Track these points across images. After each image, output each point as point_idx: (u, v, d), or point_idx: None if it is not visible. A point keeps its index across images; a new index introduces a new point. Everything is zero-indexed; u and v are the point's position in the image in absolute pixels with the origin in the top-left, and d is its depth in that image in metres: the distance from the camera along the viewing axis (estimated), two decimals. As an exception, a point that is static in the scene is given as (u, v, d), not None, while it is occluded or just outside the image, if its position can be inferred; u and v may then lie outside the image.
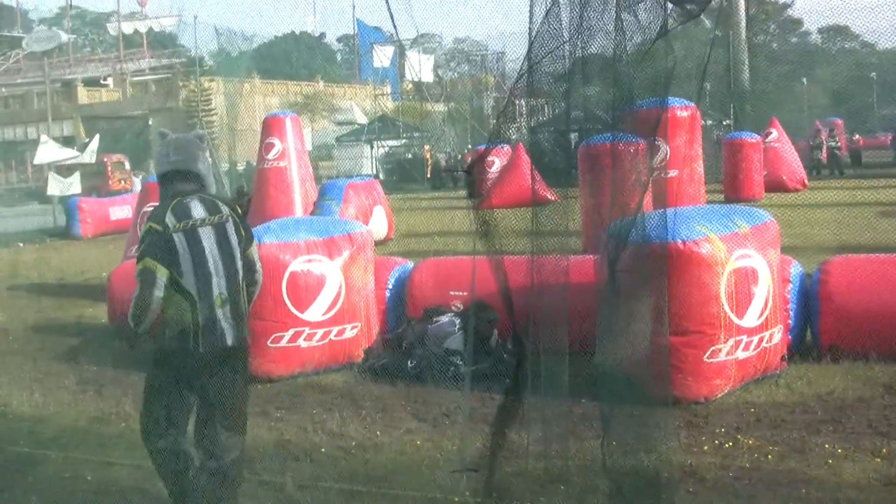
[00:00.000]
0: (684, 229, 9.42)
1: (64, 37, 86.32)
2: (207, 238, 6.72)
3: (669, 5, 4.73)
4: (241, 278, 6.88)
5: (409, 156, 61.97)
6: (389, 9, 5.12)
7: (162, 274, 6.53)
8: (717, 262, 9.39)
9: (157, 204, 6.97)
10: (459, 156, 55.20)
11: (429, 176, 55.93)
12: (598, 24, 4.94)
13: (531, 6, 4.76)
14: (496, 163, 40.15)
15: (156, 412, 6.80)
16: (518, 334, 6.13)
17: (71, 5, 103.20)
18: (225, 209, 6.92)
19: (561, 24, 4.90)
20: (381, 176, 56.83)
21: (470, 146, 56.43)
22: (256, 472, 8.05)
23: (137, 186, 41.24)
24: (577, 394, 6.30)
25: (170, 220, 6.63)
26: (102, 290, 17.16)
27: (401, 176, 55.56)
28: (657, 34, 4.91)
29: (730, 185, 32.75)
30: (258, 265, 7.17)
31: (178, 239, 6.61)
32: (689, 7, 4.81)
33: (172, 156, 6.95)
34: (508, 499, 6.11)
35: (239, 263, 6.88)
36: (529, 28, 4.85)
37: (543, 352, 5.52)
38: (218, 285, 6.70)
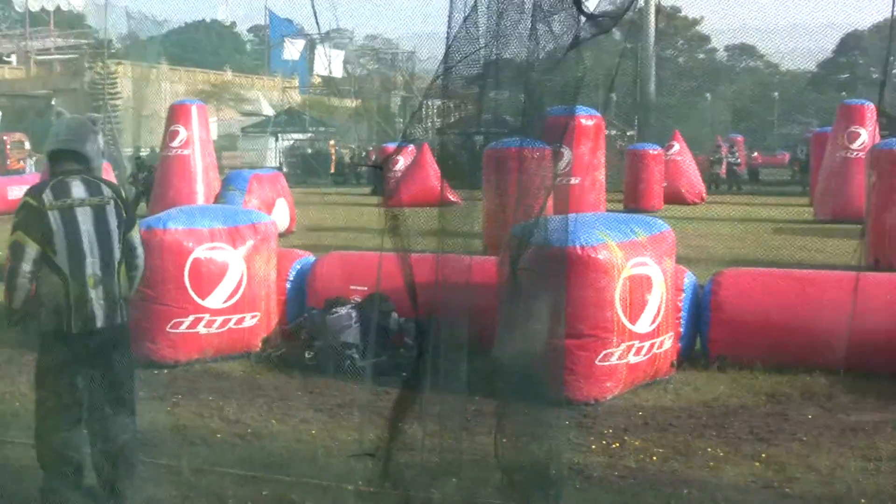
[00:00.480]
0: (584, 234, 9.66)
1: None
2: (84, 218, 6.67)
3: (582, 18, 4.91)
4: (116, 261, 6.80)
5: (310, 150, 61.69)
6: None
7: (32, 248, 6.50)
8: (613, 267, 9.63)
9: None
10: (364, 152, 55.35)
11: (332, 171, 55.91)
12: (513, 32, 5.11)
13: (450, 11, 4.92)
14: (401, 161, 40.27)
15: (43, 397, 6.78)
16: (420, 328, 6.28)
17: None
18: (108, 191, 6.87)
19: (478, 30, 5.06)
20: (285, 169, 56.75)
21: (375, 143, 56.56)
22: (153, 457, 8.11)
23: (30, 168, 40.51)
24: (474, 390, 6.49)
25: (47, 196, 6.60)
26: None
27: (304, 170, 55.46)
28: (569, 45, 5.09)
29: (630, 194, 33.26)
30: (139, 250, 7.10)
31: (54, 216, 6.56)
32: (601, 20, 5.00)
33: (62, 135, 6.97)
34: (402, 488, 6.25)
35: (116, 246, 6.81)
36: (447, 32, 5.00)
37: (444, 346, 5.68)
38: (91, 265, 6.64)
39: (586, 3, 4.90)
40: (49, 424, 6.73)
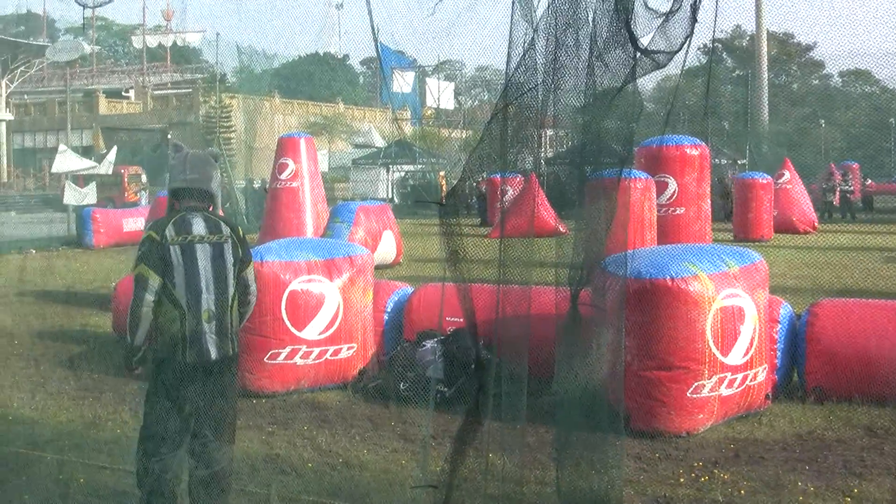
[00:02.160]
0: (674, 266, 9.65)
1: (87, 47, 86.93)
2: (203, 254, 6.92)
3: (638, 55, 4.95)
4: (230, 297, 7.04)
5: (412, 182, 61.63)
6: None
7: (154, 280, 6.76)
8: (704, 299, 9.59)
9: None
10: (474, 183, 55.39)
11: (442, 202, 55.99)
12: (571, 67, 5.17)
13: (509, 47, 5.00)
14: (509, 191, 40.37)
15: (151, 421, 6.93)
16: (479, 361, 6.33)
17: (95, 17, 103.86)
18: (226, 230, 7.13)
19: (536, 65, 5.13)
20: (396, 200, 57.00)
21: (485, 174, 56.56)
22: (244, 483, 8.27)
23: (143, 201, 41.25)
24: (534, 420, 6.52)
25: (169, 232, 6.86)
26: (109, 300, 17.43)
27: (415, 201, 55.66)
28: (624, 80, 5.13)
29: (740, 224, 32.95)
30: (253, 287, 7.36)
31: (174, 251, 6.83)
32: (657, 56, 5.04)
33: (188, 173, 7.17)
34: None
35: (231, 283, 7.06)
36: (506, 69, 5.08)
37: (507, 379, 5.75)
38: (207, 301, 6.88)
39: (641, 40, 4.94)
40: (152, 448, 6.90)
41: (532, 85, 5.15)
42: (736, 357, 9.84)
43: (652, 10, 5.07)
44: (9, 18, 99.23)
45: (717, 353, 9.66)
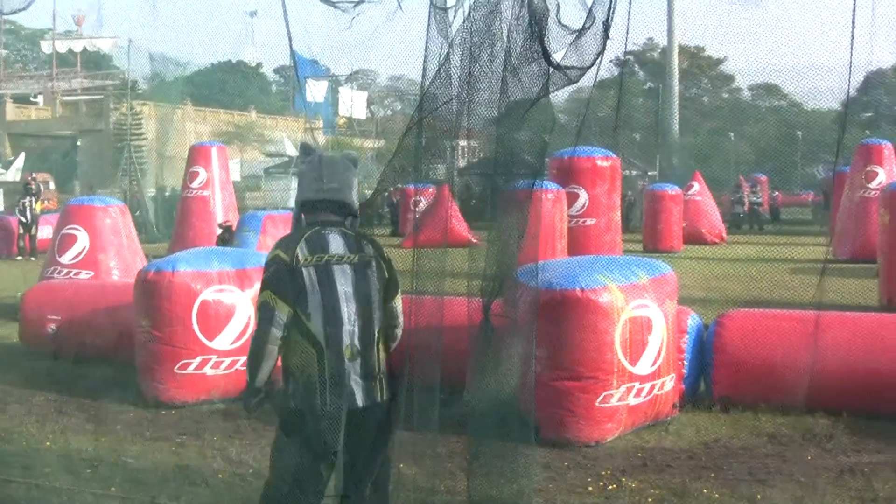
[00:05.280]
0: (584, 277, 9.76)
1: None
2: (343, 278, 5.81)
3: (551, 69, 5.03)
4: (376, 330, 5.90)
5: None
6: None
7: (282, 311, 5.66)
8: (613, 309, 9.71)
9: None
10: (386, 193, 55.35)
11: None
12: (485, 81, 5.24)
13: (424, 60, 5.04)
14: (422, 202, 40.44)
15: (280, 481, 5.85)
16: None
17: (4, 21, 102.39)
18: (370, 249, 6.01)
19: (451, 80, 5.19)
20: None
21: (399, 185, 56.58)
22: (153, 494, 8.23)
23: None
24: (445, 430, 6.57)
25: (301, 250, 5.77)
26: (15, 310, 17.17)
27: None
28: (537, 94, 5.21)
29: (649, 235, 33.34)
30: (401, 319, 6.16)
31: (308, 274, 5.75)
32: (569, 71, 5.13)
33: (326, 181, 6.01)
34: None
35: (377, 313, 5.92)
36: (422, 82, 5.12)
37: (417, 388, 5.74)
38: (349, 334, 5.75)
39: (554, 56, 5.03)
40: None
41: (447, 98, 5.20)
42: (644, 367, 9.97)
43: (565, 26, 5.14)
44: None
45: (626, 363, 9.78)
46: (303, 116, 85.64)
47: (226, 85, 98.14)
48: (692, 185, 37.44)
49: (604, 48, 4.85)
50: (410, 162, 6.13)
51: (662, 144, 51.29)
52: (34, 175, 35.85)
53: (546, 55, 4.89)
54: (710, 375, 11.17)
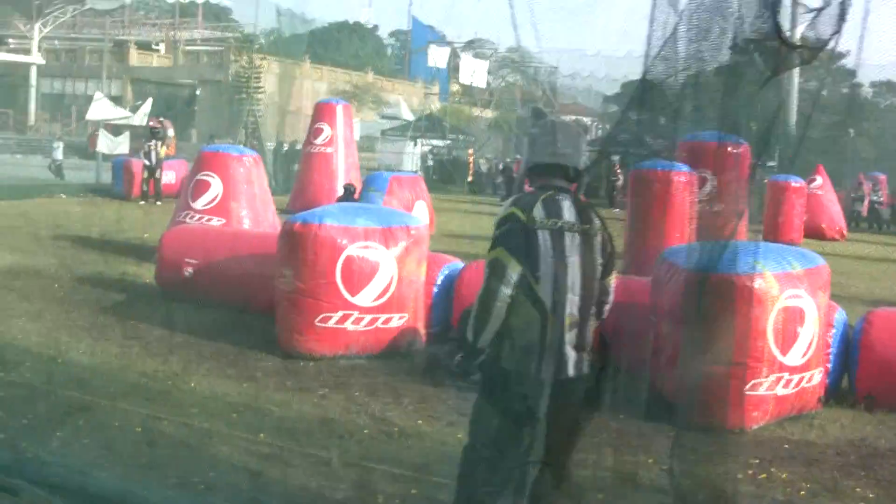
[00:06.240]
0: (740, 262, 9.61)
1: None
2: (572, 246, 5.66)
3: (784, 49, 4.90)
4: (594, 302, 5.81)
5: (435, 157, 61.09)
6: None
7: (513, 270, 5.53)
8: (768, 298, 9.57)
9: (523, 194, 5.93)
10: (502, 165, 55.20)
11: (470, 179, 55.79)
12: (713, 58, 5.14)
13: (649, 35, 4.96)
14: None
15: (482, 444, 5.79)
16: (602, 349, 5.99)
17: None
18: (597, 221, 5.84)
19: (677, 54, 5.10)
20: (420, 173, 56.83)
21: (518, 156, 56.45)
22: (301, 445, 8.29)
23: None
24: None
25: (538, 212, 5.62)
26: (144, 250, 17.45)
27: (441, 176, 55.47)
28: (769, 75, 5.12)
29: (770, 226, 32.80)
30: (611, 297, 6.03)
31: (543, 237, 5.59)
32: (802, 53, 5.00)
33: (560, 146, 5.90)
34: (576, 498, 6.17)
35: (597, 285, 5.80)
36: (646, 52, 5.04)
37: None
38: (571, 303, 5.64)
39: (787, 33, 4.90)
40: (482, 476, 5.76)
41: (671, 71, 5.11)
42: (794, 358, 9.80)
43: (802, 3, 5.03)
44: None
45: (777, 353, 9.63)
46: (417, 81, 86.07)
47: (341, 44, 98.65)
48: (814, 179, 36.76)
49: (839, 30, 4.73)
50: (633, 134, 6.03)
51: (782, 135, 50.54)
52: (161, 119, 36.02)
53: (779, 32, 4.77)
54: (854, 373, 10.95)
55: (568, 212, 5.68)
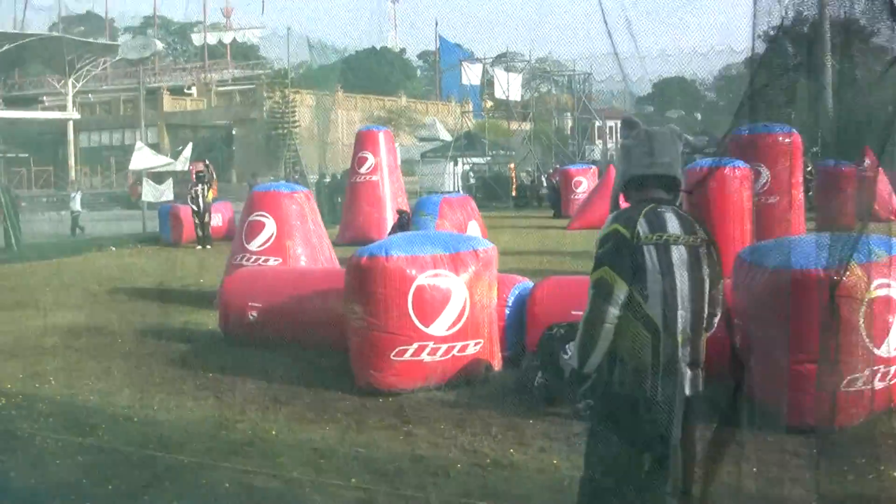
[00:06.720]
0: (824, 256, 9.34)
1: (159, 45, 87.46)
2: (679, 260, 5.53)
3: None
4: (705, 316, 5.68)
5: (475, 175, 60.81)
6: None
7: (620, 289, 5.43)
8: (858, 290, 9.27)
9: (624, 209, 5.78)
10: (544, 176, 55.04)
11: (514, 194, 55.58)
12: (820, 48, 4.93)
13: (752, 39, 4.75)
14: (584, 183, 40.09)
15: (600, 472, 5.65)
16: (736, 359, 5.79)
17: (156, 14, 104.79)
18: (701, 231, 5.69)
19: (787, 57, 4.90)
20: (461, 192, 56.67)
21: (558, 165, 56.26)
22: (395, 486, 8.07)
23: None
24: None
25: (642, 227, 5.50)
26: (202, 297, 17.33)
27: (485, 193, 55.28)
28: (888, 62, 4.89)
29: (822, 213, 32.37)
30: (720, 309, 5.86)
31: (648, 252, 5.48)
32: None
33: (657, 156, 5.76)
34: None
35: (706, 298, 5.66)
36: (752, 57, 4.84)
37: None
38: (682, 319, 5.50)
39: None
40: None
41: (783, 68, 4.90)
42: (888, 349, 9.50)
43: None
44: (70, 19, 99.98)
45: (871, 346, 9.34)
46: (450, 101, 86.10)
47: (371, 71, 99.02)
48: (864, 161, 36.24)
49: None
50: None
51: (823, 118, 50.03)
52: (207, 162, 36.13)
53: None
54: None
55: (672, 224, 5.54)
